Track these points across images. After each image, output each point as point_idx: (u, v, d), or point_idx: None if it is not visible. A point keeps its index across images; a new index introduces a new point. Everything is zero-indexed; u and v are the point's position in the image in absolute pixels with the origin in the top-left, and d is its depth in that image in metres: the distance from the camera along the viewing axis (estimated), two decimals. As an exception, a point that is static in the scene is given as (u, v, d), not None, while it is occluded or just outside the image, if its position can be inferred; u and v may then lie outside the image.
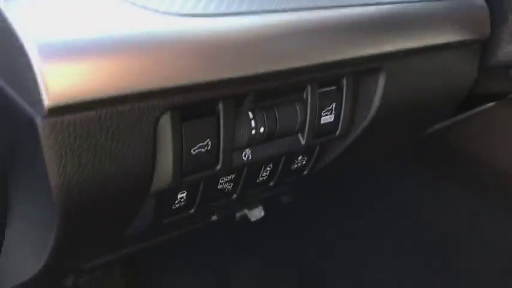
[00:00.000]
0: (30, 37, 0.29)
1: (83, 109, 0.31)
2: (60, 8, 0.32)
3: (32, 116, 0.30)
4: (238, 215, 0.86)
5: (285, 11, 0.42)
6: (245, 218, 0.87)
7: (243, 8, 0.39)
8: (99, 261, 0.69)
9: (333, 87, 0.50)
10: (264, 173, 0.52)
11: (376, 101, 0.52)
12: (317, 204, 1.44)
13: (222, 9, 0.38)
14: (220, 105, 0.41)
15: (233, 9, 0.39)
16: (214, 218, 0.84)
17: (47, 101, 0.29)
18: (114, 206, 0.37)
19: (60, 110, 0.30)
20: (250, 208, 0.87)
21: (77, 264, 0.60)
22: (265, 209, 0.89)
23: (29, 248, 0.42)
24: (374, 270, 1.27)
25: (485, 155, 1.12)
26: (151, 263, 1.26)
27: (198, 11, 0.37)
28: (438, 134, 1.19)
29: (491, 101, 0.87)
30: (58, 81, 0.29)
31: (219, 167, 0.43)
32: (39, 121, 0.30)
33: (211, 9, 0.37)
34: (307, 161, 0.55)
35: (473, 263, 1.18)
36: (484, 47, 0.63)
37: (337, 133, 0.51)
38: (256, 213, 0.88)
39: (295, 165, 0.54)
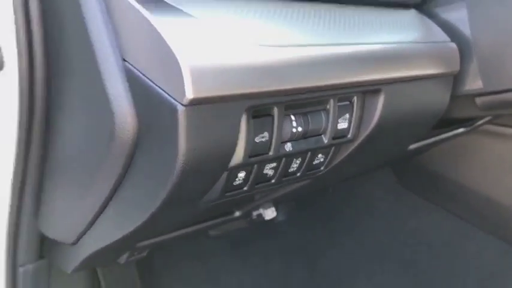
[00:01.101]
0: (184, 52, 0.48)
1: (205, 102, 0.49)
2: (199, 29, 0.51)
3: (174, 105, 0.48)
4: (254, 213, 1.04)
5: (318, 45, 0.61)
6: (260, 216, 1.04)
7: (294, 42, 0.59)
8: (150, 241, 0.85)
9: (347, 103, 0.69)
10: (294, 165, 0.70)
11: (377, 115, 0.72)
12: (309, 223, 1.60)
13: (282, 42, 0.57)
14: (275, 110, 0.59)
15: (287, 42, 0.58)
16: (237, 214, 1.02)
17: (189, 95, 0.47)
18: (207, 173, 0.55)
19: (194, 102, 0.48)
20: (265, 208, 1.04)
21: (156, 231, 0.76)
22: (276, 210, 1.07)
23: (139, 201, 0.58)
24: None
25: (463, 179, 1.27)
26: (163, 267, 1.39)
27: (272, 43, 0.56)
28: (417, 160, 1.37)
29: (461, 125, 1.07)
30: (197, 81, 0.47)
31: (271, 153, 0.61)
32: (180, 108, 0.48)
33: (280, 42, 0.57)
34: (324, 159, 0.74)
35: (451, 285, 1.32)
36: (455, 79, 0.84)
37: (349, 136, 0.70)
38: (269, 213, 1.05)
39: (316, 161, 0.73)
